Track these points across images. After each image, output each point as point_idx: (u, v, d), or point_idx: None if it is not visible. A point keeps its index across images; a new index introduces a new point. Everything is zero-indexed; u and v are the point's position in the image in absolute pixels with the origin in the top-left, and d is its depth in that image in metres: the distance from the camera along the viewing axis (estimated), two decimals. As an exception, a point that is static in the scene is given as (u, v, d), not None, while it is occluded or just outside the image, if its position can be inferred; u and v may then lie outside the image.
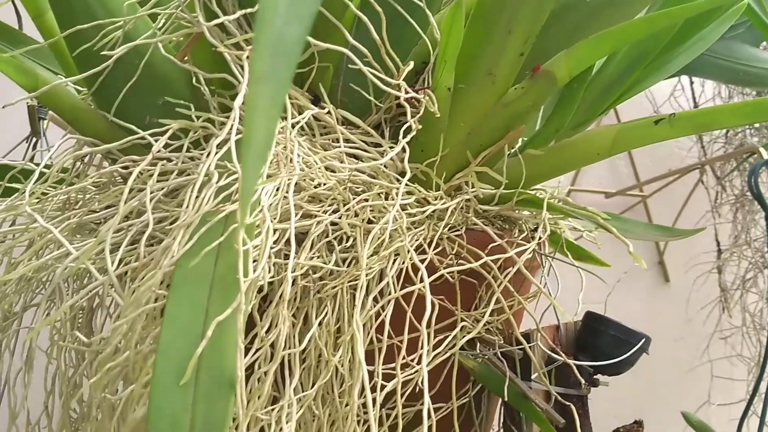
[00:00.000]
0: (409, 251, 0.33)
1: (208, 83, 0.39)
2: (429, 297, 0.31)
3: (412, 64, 0.35)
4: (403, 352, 0.33)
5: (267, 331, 0.31)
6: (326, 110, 0.37)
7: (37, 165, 0.45)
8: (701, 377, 0.84)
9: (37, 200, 0.42)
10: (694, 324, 0.88)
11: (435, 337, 0.36)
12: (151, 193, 0.32)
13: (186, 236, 0.29)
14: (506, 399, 0.37)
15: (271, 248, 0.31)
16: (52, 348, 0.35)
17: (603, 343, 0.42)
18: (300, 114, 0.36)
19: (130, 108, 0.39)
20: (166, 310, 0.28)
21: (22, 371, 0.36)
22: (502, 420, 0.43)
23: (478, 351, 0.40)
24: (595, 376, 0.43)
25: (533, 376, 0.40)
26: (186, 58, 0.38)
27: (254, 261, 0.29)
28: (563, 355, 0.40)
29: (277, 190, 0.31)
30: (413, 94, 0.36)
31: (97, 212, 0.36)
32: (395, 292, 0.33)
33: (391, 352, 0.34)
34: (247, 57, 0.34)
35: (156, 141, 0.36)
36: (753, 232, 0.82)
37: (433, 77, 0.37)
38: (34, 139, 0.56)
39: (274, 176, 0.31)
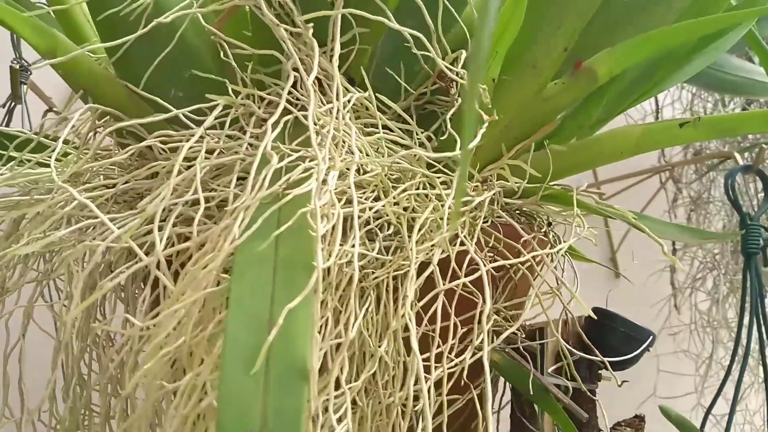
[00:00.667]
0: (455, 243, 0.33)
1: (237, 58, 0.37)
2: (487, 289, 0.31)
3: (463, 52, 0.35)
4: (443, 342, 0.33)
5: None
6: (366, 93, 0.36)
7: (35, 133, 0.42)
8: (648, 372, 0.88)
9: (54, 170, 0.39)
10: (643, 320, 0.91)
11: (468, 330, 0.35)
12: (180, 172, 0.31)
13: (247, 218, 0.28)
14: (530, 393, 0.38)
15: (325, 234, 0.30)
16: (76, 332, 0.33)
17: (612, 339, 0.43)
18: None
19: (153, 79, 0.37)
20: (230, 295, 0.26)
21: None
22: (510, 413, 0.44)
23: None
24: (599, 371, 0.44)
25: (550, 370, 0.41)
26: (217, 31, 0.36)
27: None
28: (576, 351, 0.41)
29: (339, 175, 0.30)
30: (462, 81, 0.35)
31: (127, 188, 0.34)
32: (442, 284, 0.32)
33: (425, 343, 0.34)
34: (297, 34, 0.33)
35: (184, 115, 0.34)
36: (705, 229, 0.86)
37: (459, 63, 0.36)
38: (12, 104, 0.52)
39: (333, 161, 0.30)
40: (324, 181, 0.29)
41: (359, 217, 0.30)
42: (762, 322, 0.60)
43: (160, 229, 0.30)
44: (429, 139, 0.38)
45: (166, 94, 0.37)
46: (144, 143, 0.33)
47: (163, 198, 0.29)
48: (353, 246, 0.29)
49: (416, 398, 0.34)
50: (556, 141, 0.42)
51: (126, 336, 0.29)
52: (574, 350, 0.41)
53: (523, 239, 0.37)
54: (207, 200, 0.31)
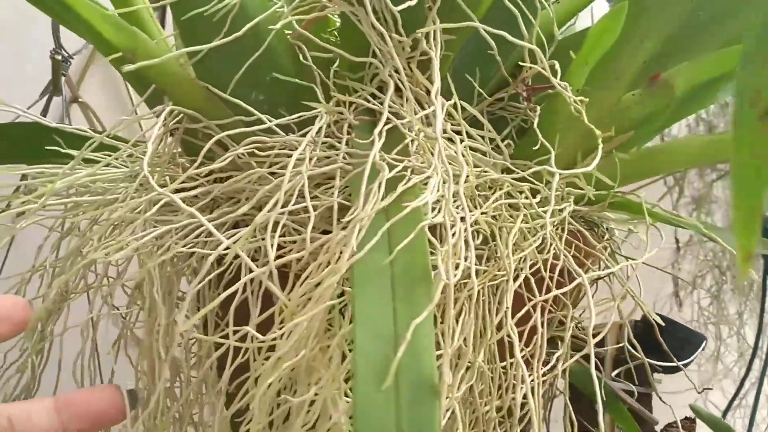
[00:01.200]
0: (549, 250, 0.33)
1: (317, 62, 0.36)
2: (591, 299, 0.31)
3: (557, 63, 0.35)
4: (531, 351, 0.33)
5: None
6: (452, 101, 0.36)
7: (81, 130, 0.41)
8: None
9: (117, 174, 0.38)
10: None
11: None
12: (289, 180, 0.31)
13: (363, 231, 0.28)
14: (603, 399, 0.38)
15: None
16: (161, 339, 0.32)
17: (669, 343, 0.44)
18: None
19: (242, 81, 0.36)
20: (355, 310, 0.26)
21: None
22: (569, 418, 0.44)
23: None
24: (654, 374, 0.45)
25: (615, 375, 0.41)
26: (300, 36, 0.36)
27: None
28: (638, 355, 0.42)
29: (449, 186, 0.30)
30: (550, 89, 0.35)
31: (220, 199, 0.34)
32: (540, 294, 0.32)
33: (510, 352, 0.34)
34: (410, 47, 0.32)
35: (267, 120, 0.34)
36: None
37: (563, 77, 0.36)
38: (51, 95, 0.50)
39: (446, 172, 0.29)
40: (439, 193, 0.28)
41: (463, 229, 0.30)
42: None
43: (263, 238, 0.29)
44: (506, 145, 0.38)
45: (246, 96, 0.36)
46: (241, 149, 0.33)
47: (272, 207, 0.29)
48: (466, 258, 0.29)
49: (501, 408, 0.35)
50: (620, 149, 0.42)
51: (244, 349, 0.29)
52: (637, 354, 0.41)
53: (596, 247, 0.38)
54: (313, 209, 0.30)
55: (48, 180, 0.39)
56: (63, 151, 0.40)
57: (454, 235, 0.28)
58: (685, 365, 0.44)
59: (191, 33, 0.36)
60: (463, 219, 0.29)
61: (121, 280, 0.38)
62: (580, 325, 0.45)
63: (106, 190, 0.37)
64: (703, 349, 0.45)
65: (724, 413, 0.62)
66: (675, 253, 0.91)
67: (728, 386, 0.83)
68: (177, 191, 0.35)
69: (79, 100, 0.59)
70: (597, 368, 0.42)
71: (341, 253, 0.28)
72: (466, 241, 0.33)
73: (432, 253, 0.29)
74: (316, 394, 0.27)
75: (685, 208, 0.92)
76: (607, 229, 0.44)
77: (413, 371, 0.25)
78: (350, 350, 0.29)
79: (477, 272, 0.33)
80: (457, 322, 0.32)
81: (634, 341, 0.42)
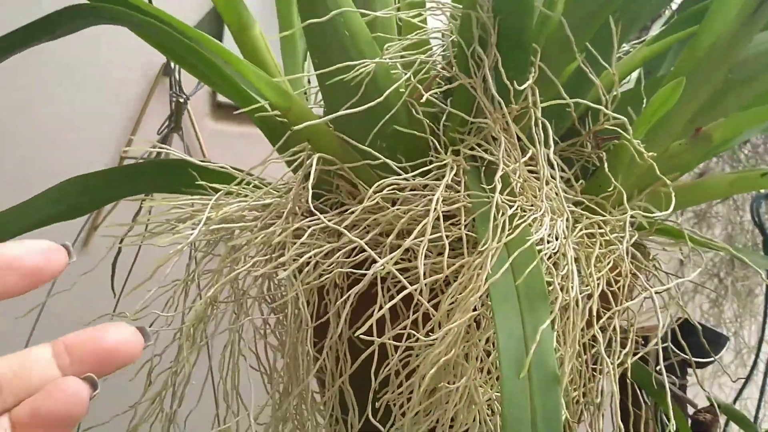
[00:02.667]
0: (626, 274, 0.41)
1: (429, 116, 0.45)
2: (658, 314, 0.40)
3: (626, 120, 0.43)
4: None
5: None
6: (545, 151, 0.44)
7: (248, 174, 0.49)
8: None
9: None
10: (654, 320, 1.02)
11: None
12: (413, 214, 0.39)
13: (495, 258, 0.36)
14: (654, 389, 0.47)
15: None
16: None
17: (698, 342, 0.52)
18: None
19: (362, 132, 0.44)
20: (496, 319, 0.34)
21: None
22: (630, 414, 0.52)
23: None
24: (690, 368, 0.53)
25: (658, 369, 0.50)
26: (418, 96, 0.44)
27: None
28: (681, 352, 0.50)
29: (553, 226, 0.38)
30: (616, 140, 0.44)
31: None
32: (617, 305, 0.41)
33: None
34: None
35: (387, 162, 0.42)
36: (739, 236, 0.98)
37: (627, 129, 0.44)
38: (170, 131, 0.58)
39: (555, 211, 0.38)
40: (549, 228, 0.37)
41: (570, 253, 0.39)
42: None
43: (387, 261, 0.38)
44: (576, 182, 0.47)
45: (372, 144, 0.44)
46: (385, 191, 0.40)
47: (420, 234, 0.37)
48: (571, 279, 0.37)
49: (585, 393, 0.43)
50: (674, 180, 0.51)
51: (406, 348, 0.37)
52: (678, 352, 0.50)
53: (647, 266, 0.46)
54: (446, 237, 0.38)
55: (199, 209, 0.47)
56: (200, 183, 0.48)
57: (566, 265, 0.36)
58: (708, 362, 0.52)
59: (332, 94, 0.44)
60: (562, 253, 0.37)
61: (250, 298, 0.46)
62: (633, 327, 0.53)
63: (256, 218, 0.45)
64: (726, 348, 0.54)
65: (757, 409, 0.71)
66: (679, 263, 1.00)
67: (726, 382, 0.92)
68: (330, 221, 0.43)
69: (168, 127, 0.67)
70: (646, 362, 0.51)
71: (477, 275, 0.36)
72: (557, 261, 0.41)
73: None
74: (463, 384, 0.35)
75: (687, 222, 1.01)
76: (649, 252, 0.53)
77: (541, 365, 0.33)
78: (485, 351, 0.37)
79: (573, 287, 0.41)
80: (565, 331, 0.40)
81: (680, 341, 0.50)
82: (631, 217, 0.47)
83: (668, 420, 0.49)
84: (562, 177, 0.46)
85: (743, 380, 0.73)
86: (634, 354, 0.48)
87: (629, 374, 0.46)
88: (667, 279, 0.52)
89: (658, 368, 0.51)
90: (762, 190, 0.81)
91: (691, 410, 0.56)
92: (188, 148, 0.67)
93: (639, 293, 0.49)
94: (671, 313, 0.51)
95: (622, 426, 0.41)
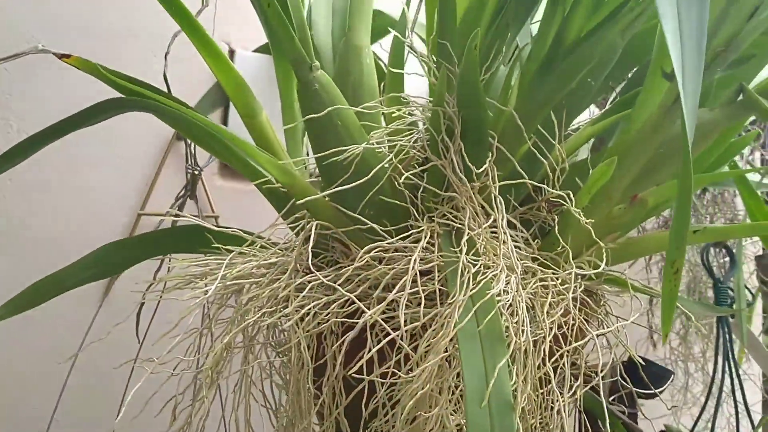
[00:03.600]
0: (575, 319, 0.50)
1: (409, 189, 0.53)
2: (598, 348, 0.48)
3: (571, 193, 0.52)
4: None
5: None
6: (502, 217, 0.53)
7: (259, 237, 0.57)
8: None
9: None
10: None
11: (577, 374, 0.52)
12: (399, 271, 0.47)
13: (461, 309, 0.44)
14: (605, 418, 0.55)
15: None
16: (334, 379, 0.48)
17: (649, 376, 0.60)
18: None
19: (353, 201, 0.53)
20: (462, 359, 0.42)
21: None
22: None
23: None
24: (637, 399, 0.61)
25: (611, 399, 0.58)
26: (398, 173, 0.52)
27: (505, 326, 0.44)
28: (629, 385, 0.58)
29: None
30: (571, 208, 0.52)
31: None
32: (566, 346, 0.49)
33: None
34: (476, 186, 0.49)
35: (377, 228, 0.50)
36: (697, 277, 1.06)
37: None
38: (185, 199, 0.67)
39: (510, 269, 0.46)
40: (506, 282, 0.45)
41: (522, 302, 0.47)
42: (731, 352, 0.78)
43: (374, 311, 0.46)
44: (533, 240, 0.55)
45: (362, 212, 0.53)
46: (372, 252, 0.49)
47: (400, 289, 0.45)
48: (522, 323, 0.45)
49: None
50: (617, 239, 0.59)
51: (390, 384, 0.45)
52: (626, 384, 0.58)
53: (597, 311, 0.54)
54: (422, 291, 0.47)
55: (215, 268, 0.55)
56: (215, 245, 0.56)
57: (519, 311, 0.44)
58: (659, 393, 0.60)
59: (328, 172, 0.52)
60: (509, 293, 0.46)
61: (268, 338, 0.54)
62: (586, 364, 0.61)
63: (264, 274, 0.53)
64: (671, 382, 0.61)
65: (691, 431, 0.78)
66: (649, 303, 1.08)
67: (696, 412, 1.00)
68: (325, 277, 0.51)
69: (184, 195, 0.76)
70: (599, 394, 0.59)
71: (447, 322, 0.44)
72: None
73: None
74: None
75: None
76: (603, 295, 0.61)
77: (498, 396, 0.41)
78: (455, 385, 0.45)
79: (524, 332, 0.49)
80: (519, 368, 0.48)
81: (625, 375, 0.58)
82: (579, 269, 0.56)
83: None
84: (521, 237, 0.55)
85: (702, 408, 0.81)
86: (588, 386, 0.56)
87: (581, 405, 0.54)
88: (616, 321, 0.60)
89: (611, 399, 0.59)
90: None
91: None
92: (201, 209, 0.76)
93: (589, 335, 0.57)
94: (625, 350, 0.59)
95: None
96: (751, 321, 0.90)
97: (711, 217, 1.02)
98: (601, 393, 0.59)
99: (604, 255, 0.57)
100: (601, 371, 0.59)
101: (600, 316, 0.57)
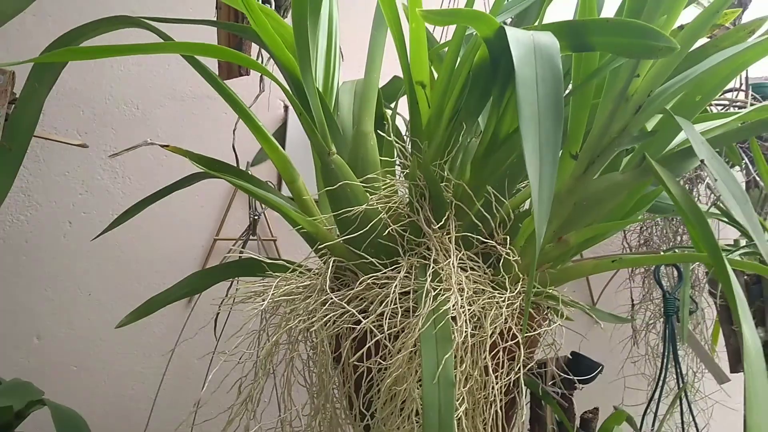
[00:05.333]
0: (511, 327, 0.71)
1: (398, 234, 0.76)
2: (521, 346, 0.70)
3: (508, 238, 0.73)
4: (500, 369, 0.71)
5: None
6: (461, 253, 0.75)
7: (293, 264, 0.81)
8: (618, 387, 1.25)
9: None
10: (614, 352, 1.30)
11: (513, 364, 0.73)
12: (391, 294, 0.70)
13: (423, 320, 0.66)
14: (539, 394, 0.76)
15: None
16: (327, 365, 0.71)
17: (583, 367, 0.81)
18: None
19: (360, 242, 0.76)
20: (422, 351, 0.65)
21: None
22: (530, 408, 0.81)
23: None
24: (576, 384, 0.82)
25: (550, 384, 0.79)
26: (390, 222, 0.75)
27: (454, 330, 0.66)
28: (569, 373, 0.79)
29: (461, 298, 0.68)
30: (507, 250, 0.74)
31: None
32: (502, 343, 0.71)
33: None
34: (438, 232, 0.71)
35: (384, 264, 0.73)
36: (653, 294, 1.24)
37: (516, 237, 0.75)
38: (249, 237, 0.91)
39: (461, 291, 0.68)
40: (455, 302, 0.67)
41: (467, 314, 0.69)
42: (676, 352, 0.98)
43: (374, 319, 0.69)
44: (490, 269, 0.77)
45: (366, 250, 0.75)
46: (369, 279, 0.72)
47: (384, 304, 0.68)
48: (467, 330, 0.67)
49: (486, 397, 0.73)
50: (552, 267, 0.81)
51: (379, 368, 0.68)
52: (562, 373, 0.79)
53: (536, 319, 0.76)
54: (401, 307, 0.69)
55: (267, 287, 0.78)
56: (268, 271, 0.80)
57: (463, 321, 0.66)
58: (589, 381, 0.80)
59: (342, 223, 0.75)
60: (463, 309, 0.68)
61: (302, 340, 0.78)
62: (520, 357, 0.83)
63: (301, 292, 0.77)
64: (600, 373, 0.82)
65: (644, 413, 0.98)
66: (631, 308, 1.27)
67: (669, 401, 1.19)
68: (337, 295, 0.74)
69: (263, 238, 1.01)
70: (541, 380, 0.80)
71: (415, 328, 0.67)
72: (468, 321, 0.71)
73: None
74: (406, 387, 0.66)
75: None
76: (548, 307, 0.82)
77: (445, 377, 0.63)
78: (418, 368, 0.68)
79: (473, 335, 0.71)
80: (463, 358, 0.70)
81: (563, 365, 0.79)
82: (523, 289, 0.77)
83: (557, 419, 0.79)
84: (479, 267, 0.77)
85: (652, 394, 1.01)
86: (521, 372, 0.78)
87: (521, 387, 0.75)
88: (555, 324, 0.81)
89: (551, 383, 0.81)
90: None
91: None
92: (259, 235, 1.01)
93: (538, 339, 0.79)
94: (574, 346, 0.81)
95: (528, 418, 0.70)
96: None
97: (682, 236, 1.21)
98: (543, 380, 0.81)
99: (547, 277, 0.79)
100: (550, 363, 0.81)
101: (543, 322, 0.79)
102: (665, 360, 0.96)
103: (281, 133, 1.24)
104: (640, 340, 1.28)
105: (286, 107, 1.27)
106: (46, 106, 1.19)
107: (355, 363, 0.70)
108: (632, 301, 1.29)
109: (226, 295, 0.85)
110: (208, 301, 0.92)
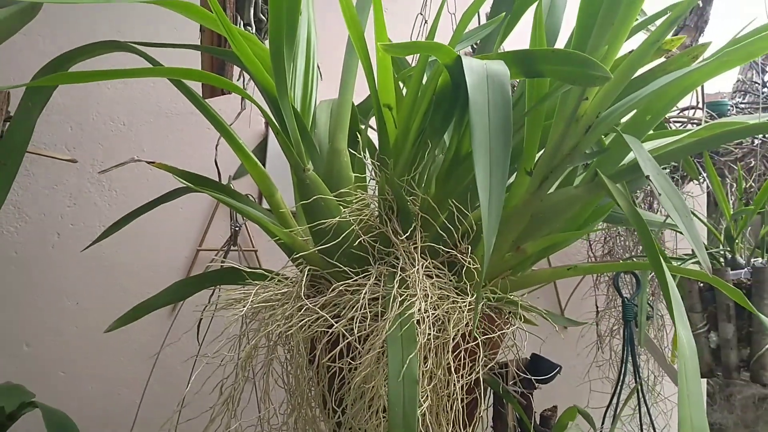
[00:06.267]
0: (474, 328, 0.77)
1: (369, 245, 0.82)
2: (481, 347, 0.76)
3: (469, 247, 0.79)
4: (462, 369, 0.77)
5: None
6: (428, 261, 0.80)
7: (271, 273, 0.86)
8: (584, 390, 1.32)
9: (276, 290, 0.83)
10: (581, 357, 1.36)
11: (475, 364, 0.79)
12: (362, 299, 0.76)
13: (390, 324, 0.72)
14: (501, 393, 0.82)
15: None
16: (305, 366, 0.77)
17: (542, 368, 0.87)
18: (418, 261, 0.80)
19: (333, 252, 0.81)
20: (389, 352, 0.70)
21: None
22: (493, 405, 0.87)
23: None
24: (536, 384, 0.88)
25: (510, 383, 0.85)
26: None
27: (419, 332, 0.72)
28: (527, 373, 0.85)
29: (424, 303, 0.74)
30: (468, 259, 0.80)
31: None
32: (463, 343, 0.76)
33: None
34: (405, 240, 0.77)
35: (356, 274, 0.79)
36: (617, 302, 1.31)
37: (477, 247, 0.81)
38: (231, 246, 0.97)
39: (425, 296, 0.74)
40: (419, 307, 0.73)
41: (430, 318, 0.75)
42: (634, 354, 1.04)
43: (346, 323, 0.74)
44: (455, 276, 0.83)
45: (339, 259, 0.81)
46: (341, 286, 0.77)
47: (355, 309, 0.74)
48: (431, 333, 0.73)
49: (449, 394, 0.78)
50: (512, 274, 0.87)
51: (350, 368, 0.73)
52: (521, 373, 0.85)
53: (496, 322, 0.82)
54: (370, 312, 0.75)
55: (247, 294, 0.84)
56: (248, 279, 0.85)
57: (427, 324, 0.72)
58: (548, 381, 0.86)
59: (316, 234, 0.81)
60: (428, 313, 0.74)
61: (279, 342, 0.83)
62: (499, 361, 0.88)
63: (278, 299, 0.82)
64: (558, 373, 0.88)
65: (605, 411, 1.04)
66: (596, 315, 1.34)
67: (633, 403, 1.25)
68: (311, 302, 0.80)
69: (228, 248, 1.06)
70: (503, 379, 0.86)
71: (382, 330, 0.72)
72: (432, 324, 0.77)
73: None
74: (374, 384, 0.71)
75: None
76: (509, 312, 0.88)
77: (409, 374, 0.69)
78: (385, 367, 0.73)
79: (437, 337, 0.77)
80: (427, 358, 0.76)
81: (521, 366, 0.85)
82: (487, 295, 0.83)
83: (520, 417, 0.85)
84: (445, 275, 0.83)
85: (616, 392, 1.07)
86: (494, 373, 0.83)
87: (481, 385, 0.81)
88: (515, 327, 0.87)
89: (512, 383, 0.87)
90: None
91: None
92: (240, 245, 1.07)
93: (499, 341, 0.85)
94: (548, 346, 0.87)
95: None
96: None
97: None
98: (504, 380, 0.86)
99: (508, 284, 0.85)
100: (510, 364, 0.87)
101: (503, 326, 0.85)
102: (624, 363, 1.03)
103: (262, 148, 1.29)
104: (604, 346, 1.35)
105: (267, 123, 1.32)
106: (36, 122, 1.25)
107: (328, 364, 0.75)
108: (597, 308, 1.36)
109: (209, 302, 0.90)
110: (191, 309, 0.98)
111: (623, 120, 0.84)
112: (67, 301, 1.22)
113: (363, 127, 0.91)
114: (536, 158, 0.79)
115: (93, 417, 1.18)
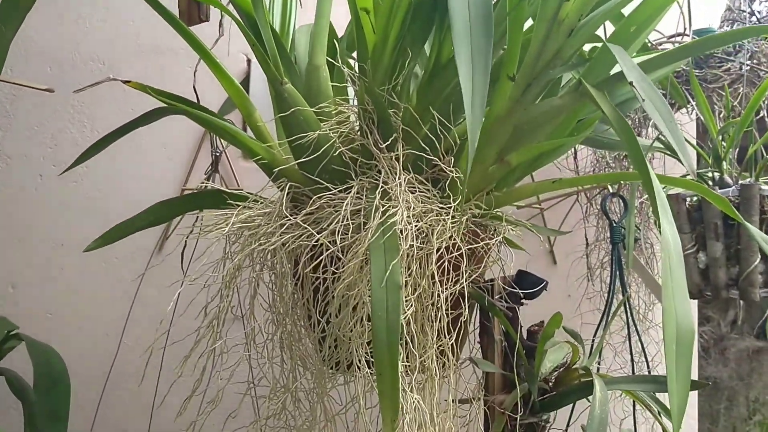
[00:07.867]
0: (454, 239, 0.76)
1: (350, 159, 0.80)
2: (465, 259, 0.75)
3: (452, 159, 0.78)
4: (448, 281, 0.76)
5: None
6: (411, 175, 0.79)
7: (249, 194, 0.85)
8: (575, 322, 1.32)
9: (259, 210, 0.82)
10: (571, 290, 1.36)
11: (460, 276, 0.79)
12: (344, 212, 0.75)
13: (372, 232, 0.71)
14: (486, 306, 0.81)
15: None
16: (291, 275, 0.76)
17: (527, 283, 0.86)
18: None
19: (313, 168, 0.80)
20: (372, 260, 0.69)
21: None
22: (479, 319, 0.87)
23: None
24: (522, 299, 0.88)
25: (496, 297, 0.84)
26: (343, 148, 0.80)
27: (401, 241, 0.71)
28: (514, 287, 0.84)
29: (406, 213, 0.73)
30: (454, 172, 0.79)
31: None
32: (447, 255, 0.76)
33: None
34: (389, 156, 0.76)
35: (337, 188, 0.78)
36: (607, 233, 1.30)
37: (460, 159, 0.79)
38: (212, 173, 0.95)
39: (407, 207, 0.73)
40: (402, 216, 0.72)
41: (413, 229, 0.74)
42: (622, 276, 1.04)
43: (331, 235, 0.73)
44: (439, 192, 0.81)
45: (320, 175, 0.80)
46: (325, 199, 0.76)
47: (336, 221, 0.73)
48: (413, 243, 0.72)
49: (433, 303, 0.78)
50: (497, 189, 0.86)
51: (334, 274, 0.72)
52: (507, 287, 0.84)
53: (480, 236, 0.81)
54: (352, 223, 0.74)
55: (229, 216, 0.83)
56: (230, 202, 0.84)
57: (409, 233, 0.71)
58: (534, 296, 0.86)
59: (296, 150, 0.79)
60: (410, 224, 0.73)
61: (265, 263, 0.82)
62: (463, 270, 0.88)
63: (261, 218, 0.81)
64: (545, 288, 0.87)
65: (594, 335, 1.04)
66: (585, 247, 1.33)
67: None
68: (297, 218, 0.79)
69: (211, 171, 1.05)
70: (488, 293, 0.86)
71: (365, 239, 0.71)
72: (416, 236, 0.76)
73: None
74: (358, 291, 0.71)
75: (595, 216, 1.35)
76: (494, 228, 0.87)
77: (392, 281, 0.68)
78: (368, 275, 0.72)
79: (421, 248, 0.76)
80: (410, 267, 0.75)
81: (507, 281, 0.85)
82: (472, 210, 0.82)
83: (506, 332, 0.84)
84: (429, 190, 0.82)
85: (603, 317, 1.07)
86: (480, 287, 0.83)
87: (467, 298, 0.81)
88: (498, 243, 0.86)
89: (497, 297, 0.86)
90: (610, 189, 1.15)
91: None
92: (224, 180, 1.05)
93: (484, 255, 0.84)
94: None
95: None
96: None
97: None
98: (491, 294, 0.86)
99: (492, 199, 0.84)
100: (491, 281, 0.86)
101: (488, 240, 0.84)
102: (612, 284, 1.02)
103: (244, 87, 1.27)
104: (594, 278, 1.34)
105: (249, 61, 1.30)
106: (15, 65, 1.23)
107: (312, 276, 0.75)
108: (586, 240, 1.35)
109: (192, 229, 0.89)
110: (177, 250, 0.97)
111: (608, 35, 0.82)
112: (52, 242, 1.21)
113: (341, 36, 0.89)
114: (518, 63, 0.78)
115: (79, 356, 1.18)
